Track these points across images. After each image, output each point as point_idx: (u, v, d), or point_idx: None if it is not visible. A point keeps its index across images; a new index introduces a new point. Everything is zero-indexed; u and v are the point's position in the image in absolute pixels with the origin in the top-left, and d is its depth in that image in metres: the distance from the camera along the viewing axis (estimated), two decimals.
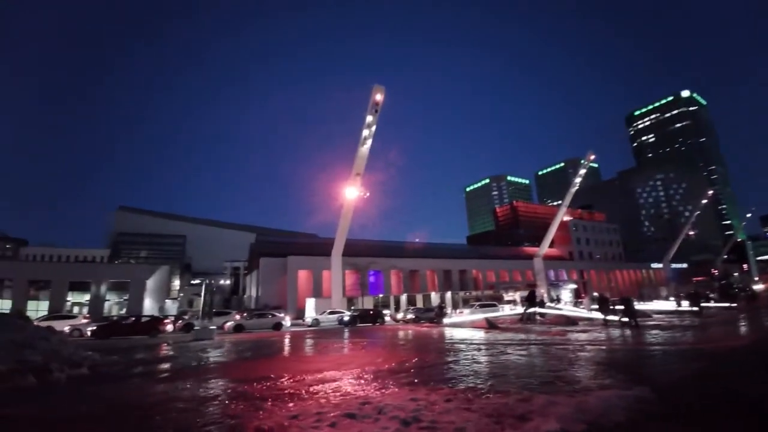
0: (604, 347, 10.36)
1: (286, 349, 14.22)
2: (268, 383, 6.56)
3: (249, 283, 57.98)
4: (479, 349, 10.81)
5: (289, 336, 20.28)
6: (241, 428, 4.07)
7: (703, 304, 28.26)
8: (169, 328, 24.62)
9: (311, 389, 5.93)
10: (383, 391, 5.60)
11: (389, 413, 4.27)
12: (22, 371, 7.94)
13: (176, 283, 51.89)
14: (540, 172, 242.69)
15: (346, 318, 28.89)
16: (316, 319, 30.45)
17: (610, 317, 18.44)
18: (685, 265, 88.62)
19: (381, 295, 48.85)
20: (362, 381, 6.60)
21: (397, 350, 11.65)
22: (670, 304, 29.07)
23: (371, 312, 31.20)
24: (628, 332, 14.53)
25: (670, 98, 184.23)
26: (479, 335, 15.87)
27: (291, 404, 4.89)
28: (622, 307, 17.29)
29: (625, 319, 16.72)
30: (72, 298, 41.07)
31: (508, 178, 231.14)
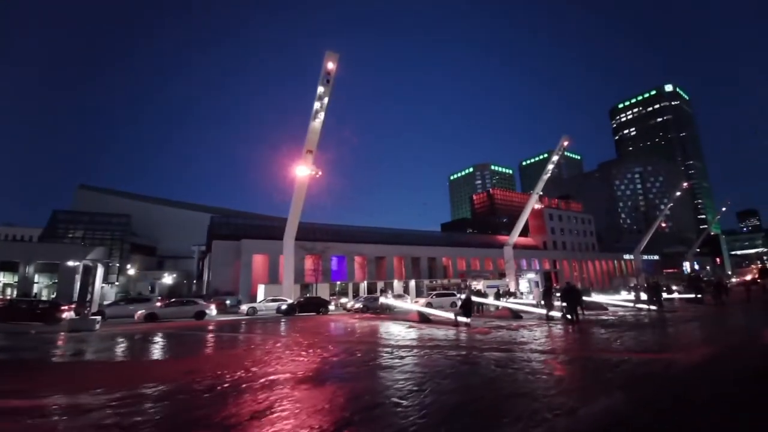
0: (508, 354, 7.97)
1: (158, 346, 11.48)
2: None
3: (205, 268, 54.71)
4: (353, 354, 8.31)
5: (200, 327, 17.48)
6: None
7: (665, 296, 26.69)
8: (69, 315, 21.51)
9: None
10: None
11: None
12: None
13: (120, 266, 48.16)
14: (524, 162, 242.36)
15: (284, 307, 26.27)
16: (253, 308, 27.72)
17: (554, 312, 16.28)
18: (656, 257, 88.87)
19: (339, 282, 46.35)
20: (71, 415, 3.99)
21: (272, 352, 9.11)
22: (631, 296, 27.27)
23: (314, 301, 28.58)
24: (562, 330, 12.30)
25: (653, 92, 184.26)
26: (397, 330, 13.48)
27: None
28: (555, 297, 15.08)
29: (568, 314, 14.51)
30: (3, 278, 37.69)
31: (492, 167, 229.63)
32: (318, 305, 27.59)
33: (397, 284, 48.59)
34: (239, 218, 57.41)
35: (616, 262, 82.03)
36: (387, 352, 8.65)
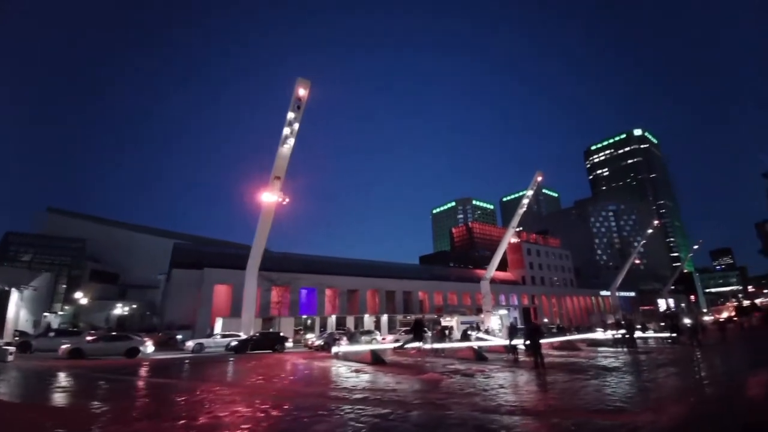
0: (441, 412, 6.47)
1: (33, 390, 9.35)
2: None
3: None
4: (254, 414, 6.61)
5: (120, 368, 15.09)
6: None
7: (640, 334, 25.62)
8: None
9: None
10: None
11: None
12: None
13: (77, 294, 44.28)
14: (505, 199, 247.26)
15: (234, 343, 23.84)
16: (200, 344, 25.14)
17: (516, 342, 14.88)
18: (632, 294, 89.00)
19: (305, 316, 43.68)
20: None
21: (143, 412, 7.30)
22: (606, 334, 25.98)
23: (270, 337, 26.18)
24: (521, 377, 10.82)
25: (623, 136, 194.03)
26: (337, 375, 11.71)
27: None
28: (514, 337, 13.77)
29: (533, 356, 13.08)
30: None
31: (474, 202, 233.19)
32: (274, 342, 25.20)
33: (368, 319, 46.21)
34: (206, 246, 54.78)
35: (593, 298, 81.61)
36: (295, 413, 6.97)
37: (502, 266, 77.23)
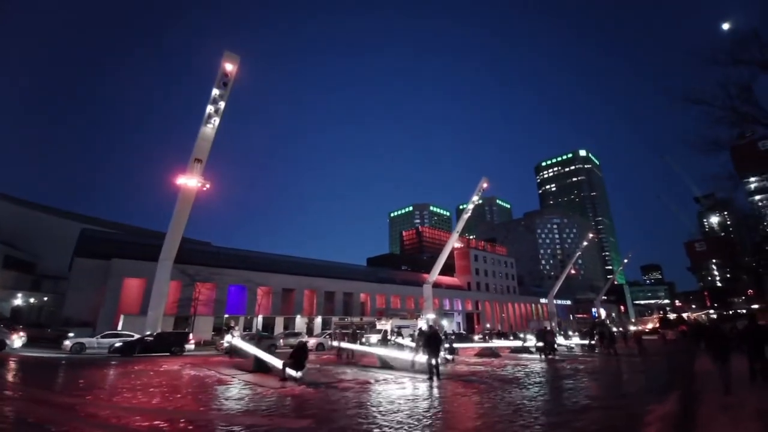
0: None
1: None
2: None
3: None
4: None
5: None
6: None
7: (563, 342, 25.53)
8: None
9: None
10: None
11: None
12: None
13: None
14: (461, 206, 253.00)
15: (119, 344, 20.49)
16: (80, 344, 21.52)
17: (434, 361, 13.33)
18: (569, 302, 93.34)
19: (228, 316, 40.23)
20: None
21: None
22: (532, 341, 25.45)
23: (167, 338, 22.98)
24: (406, 390, 9.20)
25: (570, 155, 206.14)
26: (192, 385, 9.41)
27: None
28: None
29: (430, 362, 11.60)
30: None
31: (431, 207, 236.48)
32: (170, 343, 22.08)
33: (300, 320, 43.57)
34: (125, 234, 49.24)
35: (533, 305, 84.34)
36: None
37: (450, 271, 77.64)
